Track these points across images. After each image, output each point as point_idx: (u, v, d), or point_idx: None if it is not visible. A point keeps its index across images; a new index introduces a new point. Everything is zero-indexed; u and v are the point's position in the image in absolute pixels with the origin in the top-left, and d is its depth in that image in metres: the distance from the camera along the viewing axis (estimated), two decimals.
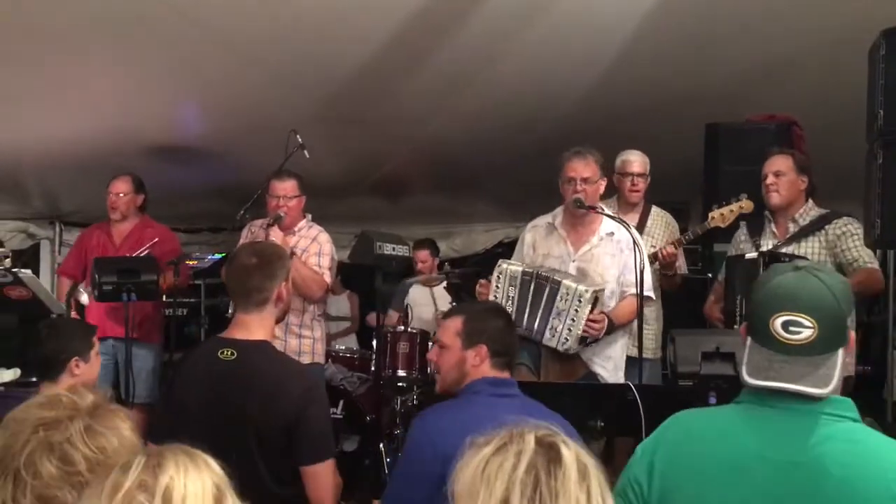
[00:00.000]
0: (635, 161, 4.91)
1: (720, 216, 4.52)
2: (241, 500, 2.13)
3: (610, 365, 4.22)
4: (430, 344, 5.55)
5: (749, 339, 1.91)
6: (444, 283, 6.30)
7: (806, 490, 1.78)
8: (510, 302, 4.12)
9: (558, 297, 4.01)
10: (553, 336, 4.03)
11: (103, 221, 5.70)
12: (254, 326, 2.86)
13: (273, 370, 2.80)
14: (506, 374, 2.83)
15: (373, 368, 5.54)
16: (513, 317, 4.07)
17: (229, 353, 2.79)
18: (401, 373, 5.36)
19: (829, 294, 1.85)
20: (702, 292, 5.70)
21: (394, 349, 5.36)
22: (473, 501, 1.50)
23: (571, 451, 1.53)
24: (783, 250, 4.23)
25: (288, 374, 2.83)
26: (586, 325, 3.98)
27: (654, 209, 4.99)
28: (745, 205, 4.48)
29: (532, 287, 4.11)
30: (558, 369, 4.18)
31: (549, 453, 1.52)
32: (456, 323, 2.89)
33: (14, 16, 4.24)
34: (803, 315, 1.82)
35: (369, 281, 7.95)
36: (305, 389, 2.77)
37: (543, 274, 4.12)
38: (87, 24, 4.38)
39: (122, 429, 1.68)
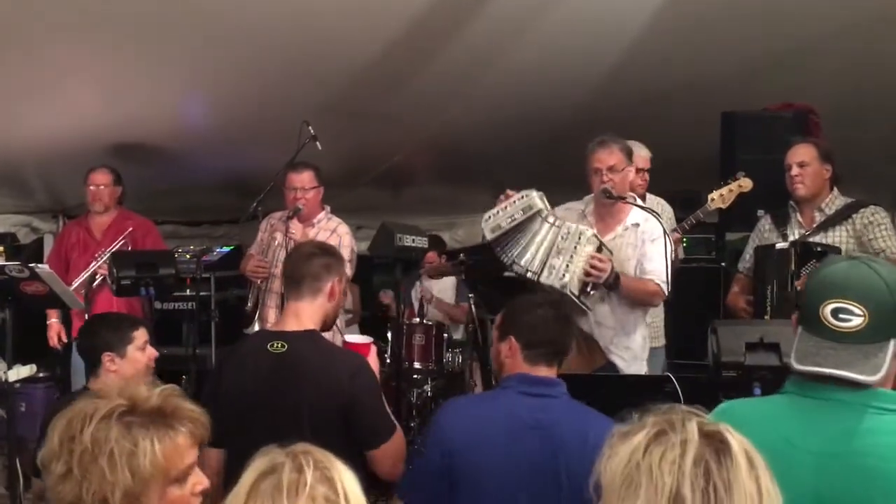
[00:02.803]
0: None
1: (720, 197, 4.45)
2: None
3: (628, 355, 4.17)
4: (445, 335, 5.55)
5: (800, 328, 1.90)
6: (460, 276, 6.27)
7: (844, 482, 1.76)
8: (510, 220, 4.02)
9: (559, 238, 3.94)
10: (550, 274, 3.93)
11: (80, 217, 5.70)
12: (304, 315, 2.89)
13: (321, 358, 2.83)
14: (543, 370, 2.73)
15: (388, 360, 5.51)
16: (505, 242, 4.05)
17: (279, 345, 2.82)
18: (416, 365, 5.34)
19: (881, 283, 1.83)
20: (714, 281, 5.72)
21: (409, 341, 5.35)
22: (633, 495, 1.41)
23: (737, 441, 1.45)
24: (811, 240, 4.21)
25: (335, 361, 2.85)
26: (588, 263, 3.88)
27: (650, 197, 4.95)
28: (744, 183, 4.42)
29: (537, 225, 4.02)
30: (574, 358, 4.13)
31: (716, 443, 1.44)
32: (499, 316, 2.91)
33: (14, 7, 4.17)
34: (853, 303, 1.81)
35: (369, 273, 7.96)
36: (352, 374, 2.80)
37: (552, 219, 4.04)
38: (92, 14, 4.31)
39: (143, 442, 1.62)
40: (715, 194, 4.42)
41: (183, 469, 1.67)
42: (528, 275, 4.00)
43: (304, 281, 2.91)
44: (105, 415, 1.62)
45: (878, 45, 3.94)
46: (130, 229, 5.44)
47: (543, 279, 3.95)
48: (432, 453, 2.60)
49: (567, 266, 3.89)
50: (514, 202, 4.07)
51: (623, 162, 4.12)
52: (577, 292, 3.93)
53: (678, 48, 4.86)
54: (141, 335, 3.13)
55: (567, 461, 2.48)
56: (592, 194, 4.26)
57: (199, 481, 1.71)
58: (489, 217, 4.13)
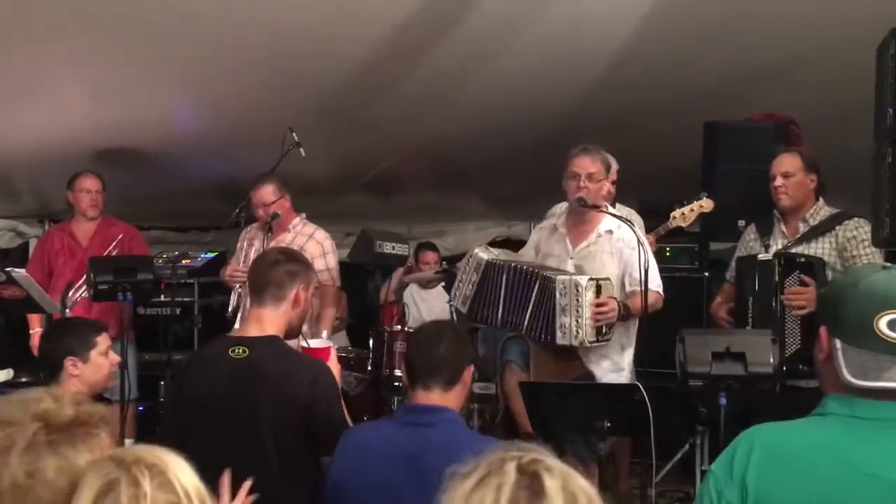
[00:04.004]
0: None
1: (681, 216, 4.48)
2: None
3: (605, 363, 4.18)
4: None
5: (838, 343, 1.79)
6: (443, 284, 6.26)
7: None
8: (472, 286, 4.17)
9: (558, 294, 3.97)
10: (564, 334, 3.95)
11: (63, 222, 5.70)
12: (266, 322, 2.88)
13: (281, 364, 2.82)
14: (421, 396, 2.63)
15: (369, 368, 5.50)
16: (481, 306, 4.18)
17: (241, 350, 2.81)
18: (398, 372, 5.32)
19: None
20: (697, 291, 5.70)
21: (391, 348, 5.33)
22: None
23: (556, 480, 1.42)
24: (793, 250, 4.18)
25: (295, 367, 2.84)
26: (594, 312, 3.92)
27: (619, 206, 4.92)
28: (705, 204, 4.44)
29: (514, 280, 4.10)
30: (553, 367, 4.15)
31: (531, 485, 1.41)
32: None
33: (1, 9, 4.18)
34: None
35: (358, 280, 7.96)
36: (313, 380, 2.79)
37: (526, 268, 4.08)
38: (80, 20, 4.33)
39: (77, 457, 1.59)
40: (677, 212, 4.46)
41: None
42: (513, 329, 4.11)
43: (267, 288, 2.89)
44: (28, 445, 1.56)
45: (856, 60, 3.94)
46: (121, 236, 5.43)
47: (559, 341, 3.99)
48: (330, 476, 2.61)
49: (577, 322, 3.92)
50: (466, 269, 4.28)
51: (602, 172, 4.16)
52: (595, 339, 3.98)
53: (663, 59, 4.87)
54: (103, 340, 3.12)
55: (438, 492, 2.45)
56: (560, 206, 4.29)
57: None
58: (455, 294, 4.32)
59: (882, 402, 1.73)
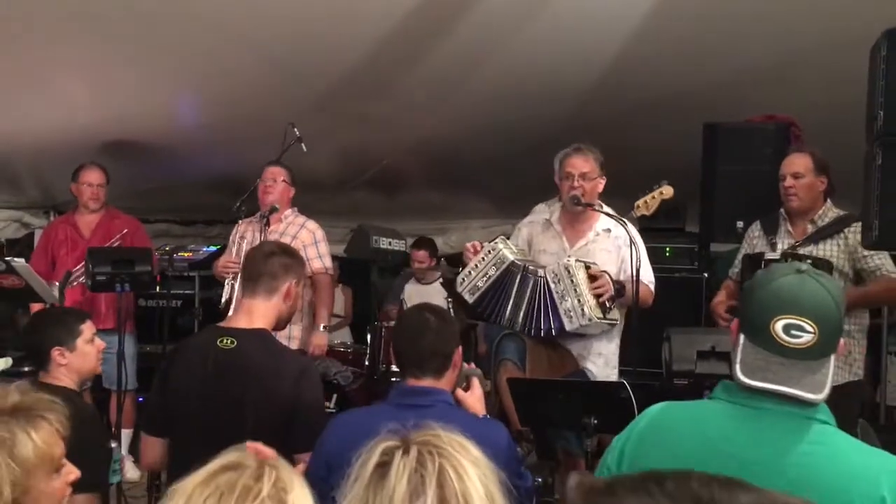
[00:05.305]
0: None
1: (644, 204, 4.40)
2: None
3: (601, 361, 4.19)
4: None
5: (742, 337, 1.88)
6: (440, 280, 6.27)
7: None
8: (486, 278, 4.13)
9: (552, 284, 4.00)
10: (572, 319, 3.95)
11: (67, 214, 5.76)
12: (256, 314, 2.89)
13: (269, 357, 2.84)
14: (411, 381, 2.66)
15: (367, 363, 5.53)
16: (491, 301, 4.14)
17: (229, 341, 2.83)
18: (395, 368, 5.34)
19: (830, 300, 1.83)
20: (696, 292, 5.70)
21: (388, 344, 5.35)
22: None
23: (406, 468, 1.43)
24: (801, 251, 4.12)
25: (282, 361, 2.86)
26: (591, 287, 3.94)
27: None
28: (665, 191, 4.35)
29: (517, 279, 4.09)
30: (546, 364, 4.15)
31: (381, 474, 1.45)
32: None
33: (5, 2, 4.22)
34: (805, 320, 1.81)
35: (363, 274, 7.98)
36: (299, 375, 2.81)
37: (531, 267, 4.09)
38: (85, 15, 4.36)
39: (12, 436, 1.62)
40: (640, 202, 4.39)
41: (59, 457, 1.66)
42: (548, 331, 4.07)
43: (260, 279, 2.91)
44: None
45: (855, 61, 3.93)
46: (125, 230, 5.47)
47: (569, 327, 3.99)
48: (316, 464, 2.61)
49: (579, 301, 3.94)
50: (483, 258, 4.17)
51: (595, 171, 4.17)
52: (603, 316, 3.98)
53: (663, 59, 4.86)
54: (88, 328, 3.14)
55: None
56: (553, 200, 4.29)
57: (71, 471, 1.69)
58: (463, 280, 4.23)
59: (771, 397, 1.81)
